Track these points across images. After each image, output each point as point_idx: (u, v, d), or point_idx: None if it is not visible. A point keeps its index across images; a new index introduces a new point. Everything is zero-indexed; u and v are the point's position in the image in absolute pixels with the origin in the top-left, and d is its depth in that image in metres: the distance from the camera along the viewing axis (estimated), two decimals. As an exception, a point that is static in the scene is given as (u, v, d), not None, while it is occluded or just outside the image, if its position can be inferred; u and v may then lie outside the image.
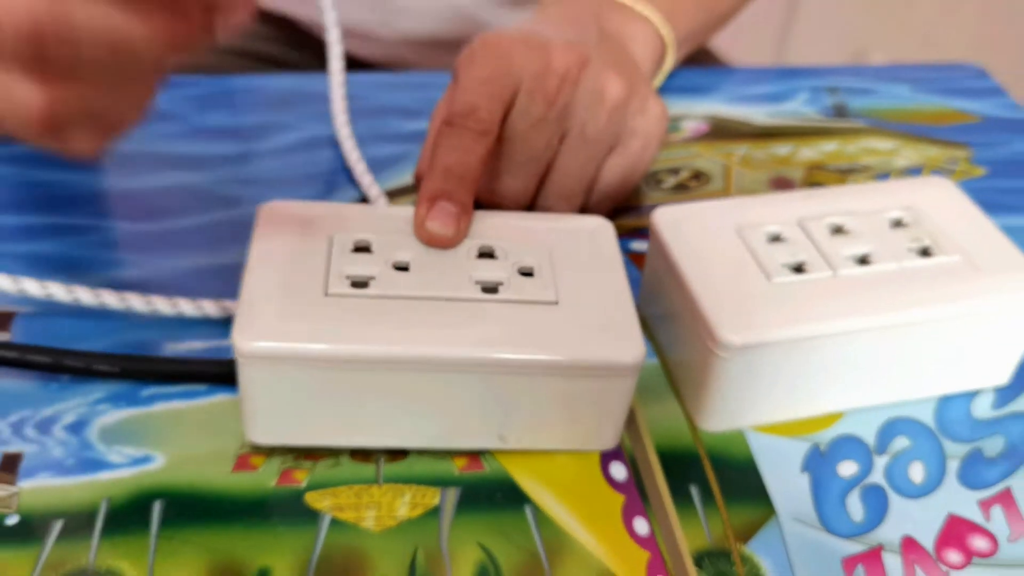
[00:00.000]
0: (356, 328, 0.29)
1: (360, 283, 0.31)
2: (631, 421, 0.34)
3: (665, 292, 0.34)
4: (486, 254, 0.33)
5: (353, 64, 0.65)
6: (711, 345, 0.31)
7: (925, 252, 0.34)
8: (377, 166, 0.44)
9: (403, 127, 0.47)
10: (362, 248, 0.32)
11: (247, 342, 0.28)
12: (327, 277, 0.31)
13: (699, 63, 0.74)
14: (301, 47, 0.68)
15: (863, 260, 0.33)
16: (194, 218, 0.41)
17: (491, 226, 0.34)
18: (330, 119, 0.47)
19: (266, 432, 0.31)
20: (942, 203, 0.36)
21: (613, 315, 0.31)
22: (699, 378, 0.32)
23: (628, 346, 0.30)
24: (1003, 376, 0.35)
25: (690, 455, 0.33)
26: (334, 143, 0.46)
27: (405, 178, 0.44)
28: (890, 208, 0.35)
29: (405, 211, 0.34)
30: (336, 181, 0.44)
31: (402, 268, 0.31)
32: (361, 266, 0.31)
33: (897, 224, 0.35)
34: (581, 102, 0.37)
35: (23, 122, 0.25)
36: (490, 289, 0.31)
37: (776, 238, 0.34)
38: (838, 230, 0.34)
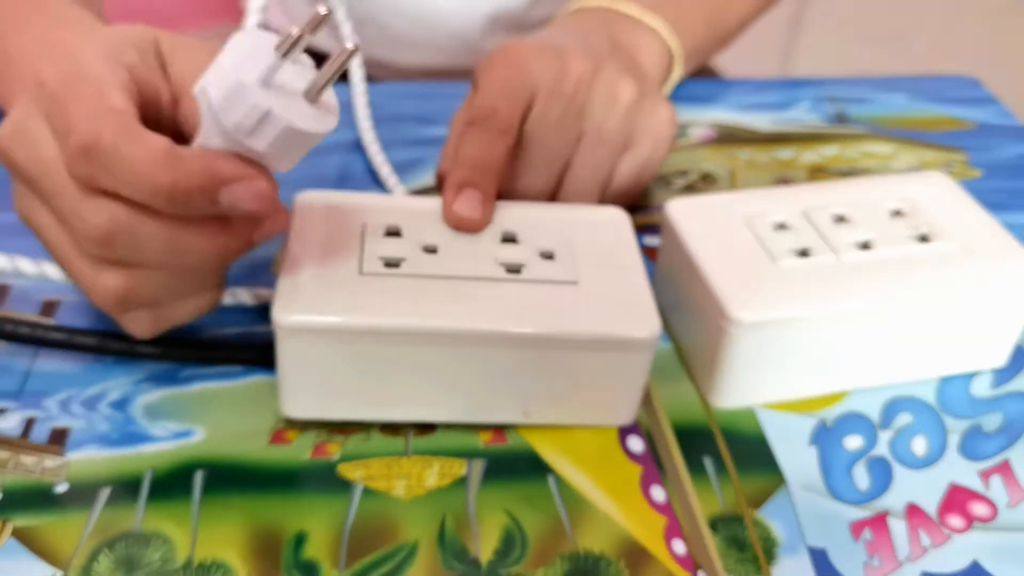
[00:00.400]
0: (388, 303, 0.31)
1: (392, 263, 0.32)
2: (647, 400, 0.35)
3: (678, 279, 0.36)
4: (509, 239, 0.34)
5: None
6: (722, 323, 0.32)
7: (924, 239, 0.36)
8: (398, 168, 0.46)
9: (420, 133, 0.49)
10: (393, 233, 0.34)
11: (287, 316, 0.30)
12: (362, 257, 0.32)
13: (702, 77, 0.77)
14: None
15: (865, 246, 0.35)
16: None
17: (514, 215, 0.35)
18: (354, 126, 0.49)
19: (301, 406, 0.32)
20: (939, 195, 0.38)
21: (630, 295, 0.33)
22: (711, 356, 0.34)
23: (644, 322, 0.32)
24: (1001, 358, 0.37)
25: (703, 430, 0.34)
26: (359, 147, 0.48)
27: (425, 179, 0.46)
28: (890, 199, 0.37)
29: (431, 202, 0.36)
30: (363, 182, 0.46)
31: (431, 251, 0.33)
32: (393, 248, 0.33)
33: (897, 214, 0.37)
34: (596, 104, 0.39)
35: (102, 300, 0.30)
36: (513, 270, 0.33)
37: (782, 226, 0.36)
38: (841, 219, 0.36)
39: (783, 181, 0.47)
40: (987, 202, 0.45)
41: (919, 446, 0.34)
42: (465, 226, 0.34)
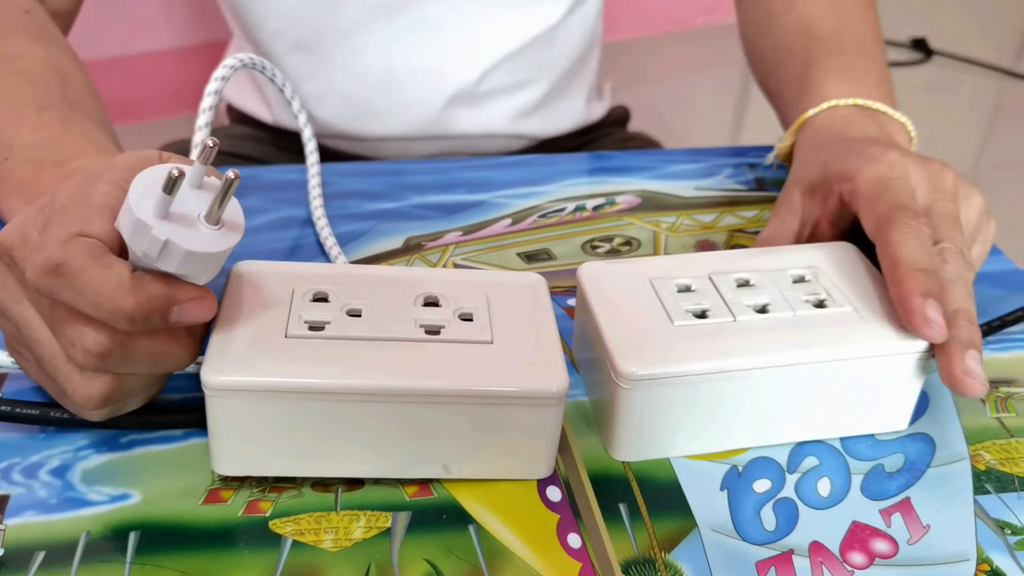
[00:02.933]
0: (310, 363, 0.32)
1: (317, 327, 0.33)
2: (566, 451, 0.36)
3: (587, 337, 0.37)
4: (431, 303, 0.35)
5: (334, 158, 0.70)
6: (615, 377, 0.33)
7: (820, 304, 0.37)
8: (344, 240, 0.48)
9: (365, 207, 0.51)
10: (320, 298, 0.35)
11: (214, 376, 0.31)
12: (288, 321, 0.33)
13: (637, 148, 0.79)
14: (284, 149, 0.73)
15: (762, 309, 0.36)
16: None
17: (437, 278, 0.37)
18: (307, 203, 0.50)
19: (231, 463, 0.33)
20: (843, 264, 0.39)
21: (541, 353, 0.34)
22: (609, 410, 0.35)
23: (553, 378, 0.33)
24: (901, 422, 0.37)
25: (619, 478, 0.35)
26: (308, 222, 0.49)
27: (367, 249, 0.47)
28: (795, 266, 0.38)
29: (360, 269, 0.37)
30: (312, 253, 0.47)
31: (355, 314, 0.34)
32: (318, 312, 0.34)
33: (799, 280, 0.38)
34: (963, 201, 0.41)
35: (85, 402, 0.32)
36: (433, 331, 0.34)
37: (686, 289, 0.37)
38: (744, 284, 0.37)
39: (704, 243, 0.48)
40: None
41: (824, 487, 0.35)
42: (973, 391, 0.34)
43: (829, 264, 0.39)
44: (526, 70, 0.69)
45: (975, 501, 0.35)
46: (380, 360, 0.32)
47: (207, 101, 0.45)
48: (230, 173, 0.29)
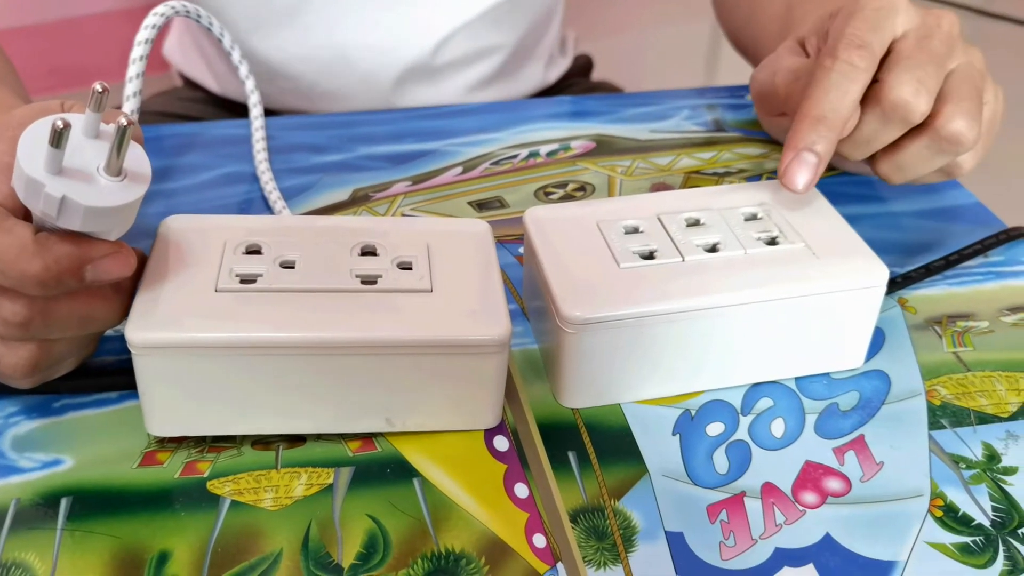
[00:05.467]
0: (240, 317, 0.30)
1: (248, 280, 0.32)
2: (514, 400, 0.35)
3: (535, 284, 0.36)
4: (368, 252, 0.34)
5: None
6: (559, 322, 0.32)
7: (772, 242, 0.35)
8: (291, 193, 0.46)
9: (312, 160, 0.49)
10: (253, 251, 0.33)
11: (139, 334, 0.29)
12: (218, 275, 0.32)
13: (596, 93, 0.77)
14: (227, 110, 0.71)
15: (712, 248, 0.35)
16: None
17: (376, 227, 0.35)
18: (250, 157, 0.48)
19: (164, 424, 0.32)
20: (796, 200, 0.37)
21: (483, 301, 0.32)
22: (556, 357, 0.33)
23: (494, 325, 0.31)
24: (857, 359, 0.36)
25: (569, 426, 0.34)
26: (253, 177, 0.47)
27: (314, 202, 0.45)
28: (746, 204, 0.37)
29: (296, 219, 0.35)
30: (260, 208, 0.45)
31: (288, 266, 0.33)
32: (250, 265, 0.32)
33: (751, 218, 0.36)
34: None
35: (12, 371, 0.31)
36: (369, 281, 0.32)
37: (634, 231, 0.36)
38: (694, 223, 0.36)
39: (659, 185, 0.47)
40: (850, 194, 0.46)
41: (778, 428, 0.34)
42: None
43: (783, 201, 0.37)
44: (485, 38, 0.66)
45: (930, 436, 0.34)
46: (313, 312, 0.31)
47: (137, 51, 0.43)
48: (122, 119, 0.27)
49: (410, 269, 0.33)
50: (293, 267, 0.33)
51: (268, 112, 0.68)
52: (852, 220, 0.37)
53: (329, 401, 0.32)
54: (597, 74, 0.86)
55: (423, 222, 0.36)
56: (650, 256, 0.34)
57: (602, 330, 0.32)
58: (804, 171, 0.36)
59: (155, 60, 0.83)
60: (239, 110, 0.68)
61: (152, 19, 0.44)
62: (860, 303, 0.34)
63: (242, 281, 0.32)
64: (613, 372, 0.34)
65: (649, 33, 1.92)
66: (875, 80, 0.38)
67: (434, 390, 0.32)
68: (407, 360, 0.31)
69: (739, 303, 0.33)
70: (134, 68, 0.43)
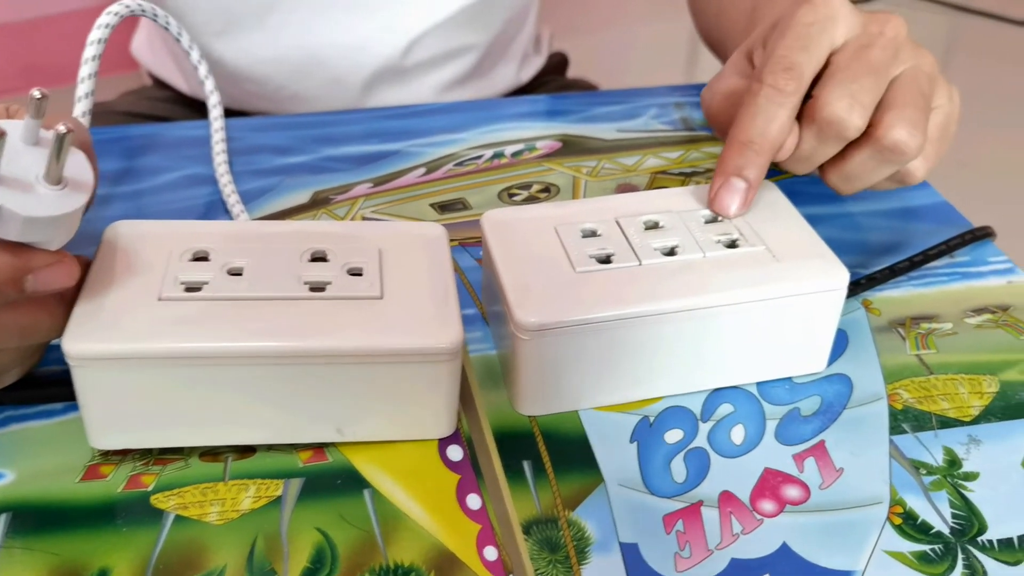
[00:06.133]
0: (184, 327, 0.29)
1: (193, 288, 0.31)
2: (470, 408, 0.34)
3: (492, 288, 0.35)
4: (318, 257, 0.33)
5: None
6: (514, 328, 0.31)
7: (732, 244, 0.35)
8: (251, 196, 0.45)
9: (275, 162, 0.48)
10: (200, 257, 0.32)
11: (76, 345, 0.28)
12: (162, 283, 0.31)
13: (574, 89, 0.76)
14: (197, 110, 0.69)
15: (671, 252, 0.34)
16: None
17: (327, 232, 0.34)
18: (211, 159, 0.47)
19: (106, 436, 0.31)
20: (758, 202, 0.37)
21: (435, 307, 0.31)
22: (512, 363, 0.33)
23: (445, 333, 0.30)
24: (819, 363, 0.36)
25: (525, 434, 0.33)
26: (213, 180, 0.46)
27: (274, 205, 0.44)
28: (708, 207, 0.36)
29: (246, 225, 0.34)
30: (212, 213, 0.44)
31: (236, 273, 0.32)
32: (196, 272, 0.31)
33: (712, 220, 0.36)
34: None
35: None
36: (318, 288, 0.31)
37: (591, 234, 0.35)
38: (653, 226, 0.35)
39: (625, 186, 0.46)
40: (820, 194, 0.45)
41: (737, 435, 0.33)
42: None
43: (745, 203, 0.37)
44: (457, 38, 0.65)
45: (891, 442, 0.33)
46: (258, 321, 0.30)
47: (89, 51, 0.42)
48: (60, 127, 0.26)
49: (360, 275, 0.32)
50: (240, 274, 0.32)
51: (235, 114, 0.67)
52: (816, 220, 0.36)
53: (277, 411, 0.31)
54: (574, 72, 0.85)
55: (377, 226, 0.35)
56: (607, 260, 0.34)
57: (557, 336, 0.32)
58: (733, 197, 0.35)
59: (125, 59, 0.82)
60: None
61: (106, 18, 0.43)
62: (821, 306, 0.34)
63: (187, 289, 0.31)
64: (570, 378, 0.33)
65: (629, 30, 1.92)
66: (811, 95, 0.37)
67: (385, 399, 0.31)
68: (356, 369, 0.30)
69: (696, 307, 0.32)
70: (86, 68, 0.42)
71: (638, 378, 0.34)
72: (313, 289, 0.31)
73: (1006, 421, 0.34)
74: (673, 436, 0.33)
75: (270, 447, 0.32)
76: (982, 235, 0.42)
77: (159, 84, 0.74)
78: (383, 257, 0.33)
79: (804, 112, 0.37)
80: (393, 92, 0.66)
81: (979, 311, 0.39)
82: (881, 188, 0.41)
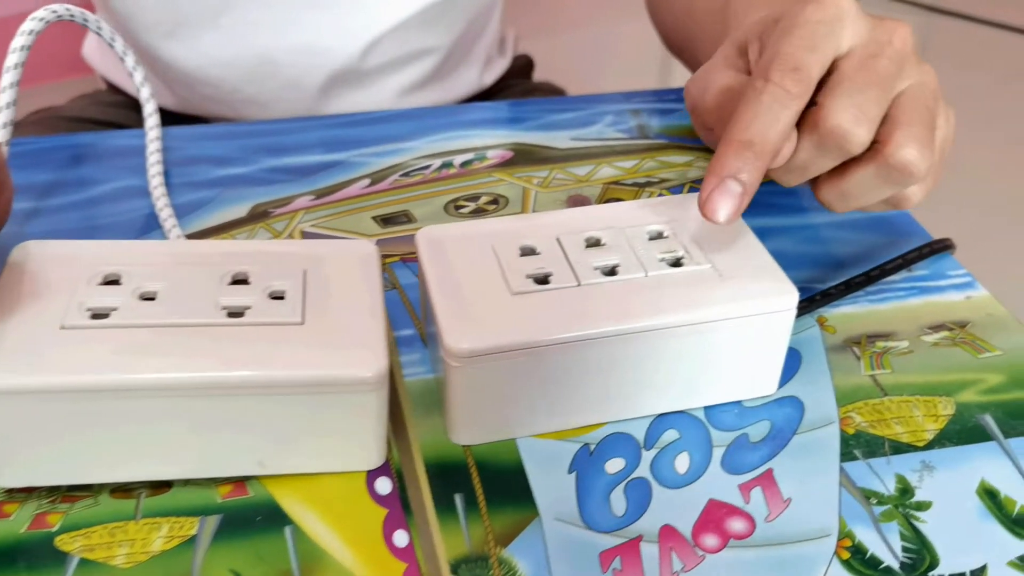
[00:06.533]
0: (88, 357, 0.27)
1: (101, 315, 0.29)
2: (403, 437, 0.32)
3: (428, 310, 0.33)
4: (240, 280, 0.31)
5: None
6: (445, 355, 0.30)
7: (676, 263, 0.33)
8: (187, 210, 0.43)
9: (214, 173, 0.46)
10: (111, 281, 0.30)
11: (-34, 381, 0.26)
12: (66, 311, 0.29)
13: (539, 93, 0.75)
14: (139, 111, 0.67)
15: (611, 271, 0.32)
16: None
17: (250, 253, 0.32)
18: (144, 170, 0.45)
19: (11, 474, 0.29)
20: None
21: (359, 333, 0.30)
22: (445, 390, 0.31)
23: (368, 361, 0.29)
24: (769, 386, 0.34)
25: (459, 465, 0.31)
26: (146, 193, 0.44)
27: (210, 220, 0.43)
28: (653, 222, 0.35)
29: (165, 245, 0.32)
30: (143, 228, 0.42)
31: (149, 298, 0.30)
32: (105, 298, 0.29)
33: (657, 237, 0.34)
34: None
35: None
36: (236, 314, 0.30)
37: (530, 252, 0.33)
38: (595, 243, 0.34)
39: (576, 198, 0.45)
40: (771, 204, 0.44)
41: (682, 463, 0.32)
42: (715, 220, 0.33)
43: (692, 218, 0.35)
44: (418, 40, 0.63)
45: (841, 469, 0.32)
46: (169, 349, 0.28)
47: (12, 59, 0.40)
48: None
49: (282, 299, 0.30)
50: (154, 299, 0.30)
51: (190, 119, 0.65)
52: (771, 232, 0.35)
53: (192, 445, 0.29)
54: (541, 75, 0.83)
55: (304, 245, 0.33)
56: (544, 280, 0.32)
57: (490, 362, 0.30)
58: (727, 201, 0.32)
59: (80, 63, 0.80)
60: (163, 116, 0.65)
61: (30, 24, 0.41)
62: (769, 328, 0.32)
63: (93, 316, 0.29)
64: (505, 406, 0.31)
65: (602, 31, 1.90)
66: (814, 102, 0.34)
67: (308, 431, 0.29)
68: (275, 400, 0.28)
69: (636, 330, 0.31)
70: (8, 77, 0.40)
71: (578, 404, 0.32)
72: (231, 315, 0.30)
73: (961, 446, 0.32)
74: (614, 465, 0.32)
75: (188, 481, 0.30)
76: (941, 248, 0.41)
77: (112, 89, 0.72)
78: (308, 278, 0.31)
79: (804, 119, 0.34)
80: (352, 96, 0.64)
81: (937, 328, 0.38)
82: (872, 210, 0.39)
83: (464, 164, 0.47)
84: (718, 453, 0.32)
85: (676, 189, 0.45)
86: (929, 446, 0.32)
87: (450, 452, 0.32)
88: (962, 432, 0.33)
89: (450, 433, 0.32)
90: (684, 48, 0.58)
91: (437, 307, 0.31)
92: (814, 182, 0.37)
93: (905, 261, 0.40)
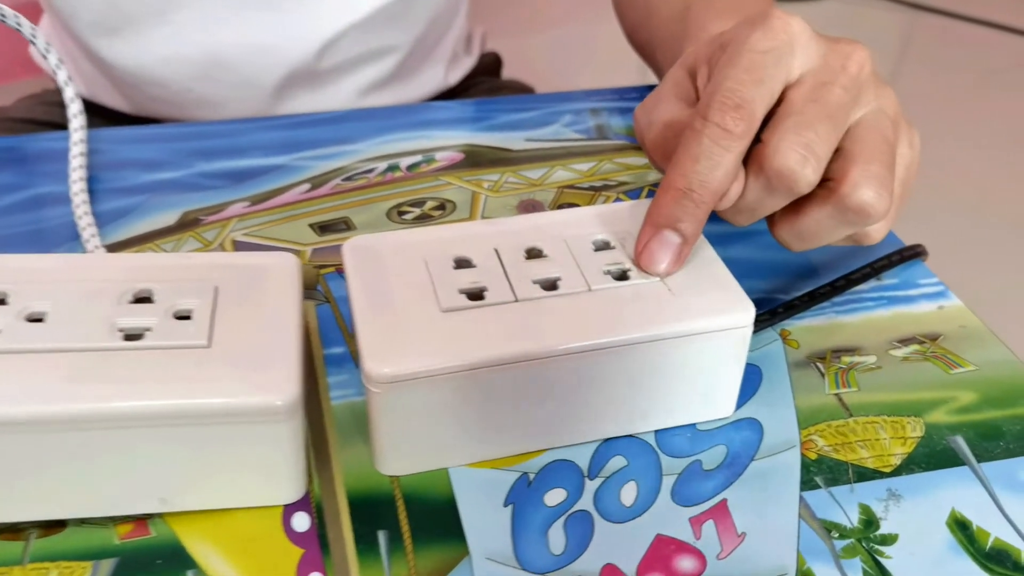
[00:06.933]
0: (-43, 390, 0.25)
1: (-21, 340, 0.26)
2: (325, 465, 0.30)
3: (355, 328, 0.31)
4: (143, 298, 0.28)
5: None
6: (364, 380, 0.27)
7: (622, 276, 0.30)
8: (110, 217, 0.40)
9: (141, 179, 0.43)
10: (-2, 301, 0.28)
11: None
12: (-60, 336, 0.26)
13: (507, 91, 0.72)
14: (99, 116, 0.64)
15: (552, 285, 0.30)
16: None
17: (156, 267, 0.29)
18: (66, 176, 0.43)
19: None
20: None
21: (271, 356, 0.27)
22: (369, 417, 0.28)
23: (279, 388, 0.26)
24: (726, 407, 0.32)
25: (385, 498, 0.29)
26: (68, 199, 0.41)
27: (133, 230, 0.40)
28: (600, 232, 0.32)
29: (68, 259, 0.30)
30: (60, 238, 0.39)
31: (36, 319, 0.27)
32: (-14, 321, 0.27)
33: (603, 247, 0.32)
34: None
35: None
36: (134, 336, 0.27)
37: (465, 264, 0.30)
38: (537, 255, 0.31)
39: (527, 203, 0.42)
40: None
41: (628, 495, 0.29)
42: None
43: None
44: (378, 38, 0.60)
45: (801, 499, 0.29)
46: (55, 378, 0.25)
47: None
48: None
49: (188, 319, 0.28)
50: (42, 320, 0.27)
51: (139, 121, 0.62)
52: (729, 239, 0.32)
53: (86, 481, 0.26)
54: (510, 73, 0.81)
55: (218, 258, 0.31)
56: (478, 295, 0.29)
57: (415, 388, 0.27)
58: (664, 253, 0.30)
59: (31, 63, 0.76)
60: (113, 116, 0.62)
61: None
62: (723, 347, 0.30)
63: (-29, 341, 0.26)
64: (435, 434, 0.29)
65: (579, 30, 1.87)
66: (760, 139, 0.31)
67: (213, 465, 0.27)
68: (174, 432, 0.26)
69: (576, 349, 0.28)
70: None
71: (515, 430, 0.29)
72: (128, 337, 0.27)
73: (930, 471, 0.30)
74: (554, 497, 0.29)
75: (84, 520, 0.28)
76: (911, 255, 0.38)
77: (59, 89, 0.69)
78: (219, 295, 0.29)
79: (751, 157, 0.31)
80: (309, 96, 0.61)
81: (906, 341, 0.35)
82: (834, 245, 0.36)
83: (411, 167, 0.44)
84: (668, 482, 0.30)
85: (634, 193, 0.43)
86: (896, 472, 0.30)
87: (377, 484, 0.29)
88: (931, 456, 0.31)
89: (376, 463, 0.29)
90: (645, 51, 0.56)
91: (359, 327, 0.28)
92: (770, 220, 0.34)
93: (873, 269, 0.37)
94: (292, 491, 0.28)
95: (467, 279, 0.30)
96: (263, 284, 0.30)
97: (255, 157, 0.45)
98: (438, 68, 0.68)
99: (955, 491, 0.29)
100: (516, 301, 0.29)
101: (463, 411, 0.28)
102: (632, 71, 1.75)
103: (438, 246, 0.31)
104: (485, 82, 0.75)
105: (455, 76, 0.71)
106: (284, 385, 0.26)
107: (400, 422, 0.28)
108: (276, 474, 0.28)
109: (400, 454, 0.29)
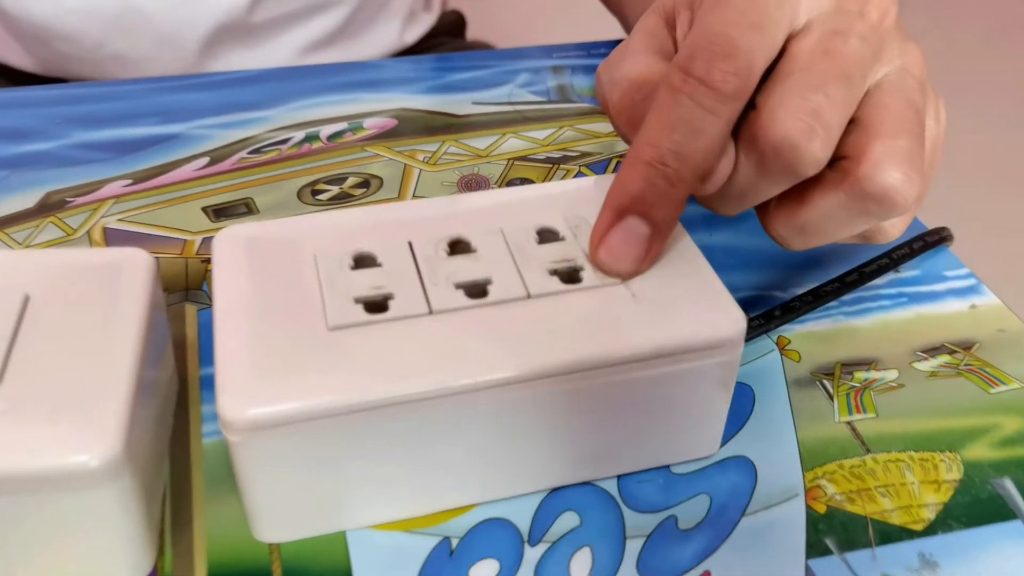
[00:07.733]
0: None
1: None
2: (186, 529, 0.23)
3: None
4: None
5: None
6: (220, 425, 0.20)
7: (572, 278, 0.23)
8: (-44, 202, 0.33)
9: (4, 151, 0.35)
10: None
11: None
12: None
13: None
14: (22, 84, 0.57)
15: (479, 291, 0.23)
16: None
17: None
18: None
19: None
20: None
21: (91, 399, 0.20)
22: (234, 471, 0.21)
23: (93, 442, 0.19)
24: (709, 445, 0.25)
25: (259, 573, 0.22)
26: (-86, 178, 0.34)
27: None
28: (548, 218, 0.25)
29: None
30: None
31: None
32: None
33: (550, 239, 0.24)
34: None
35: None
36: None
37: (366, 262, 0.23)
38: (463, 249, 0.24)
39: (471, 178, 0.35)
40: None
41: (580, 566, 0.22)
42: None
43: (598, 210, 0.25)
44: None
45: (807, 570, 0.22)
46: None
47: None
48: None
49: (-18, 341, 0.20)
50: None
51: (49, 82, 0.54)
52: (714, 223, 0.25)
53: None
54: (475, 33, 0.73)
55: (35, 256, 0.23)
56: (381, 306, 0.22)
57: (289, 434, 0.20)
58: (629, 247, 0.23)
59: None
60: (18, 77, 0.55)
61: None
62: (704, 370, 0.23)
63: None
64: (322, 489, 0.22)
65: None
66: (754, 103, 0.24)
67: (26, 540, 0.20)
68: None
69: (509, 380, 0.21)
70: None
71: (433, 482, 0.22)
72: None
73: (973, 528, 0.23)
74: (483, 570, 0.22)
75: None
76: (936, 241, 0.31)
77: None
78: (28, 308, 0.21)
79: (743, 127, 0.24)
80: (241, 54, 0.53)
81: (933, 351, 0.28)
82: (841, 243, 0.28)
83: (333, 137, 0.37)
84: (634, 547, 0.23)
85: (599, 166, 0.36)
86: (930, 530, 0.23)
87: (250, 553, 0.22)
88: (973, 506, 0.24)
89: (252, 527, 0.22)
90: (611, 3, 0.48)
91: (218, 348, 0.21)
92: (763, 210, 0.26)
93: (891, 260, 0.30)
94: (129, 569, 0.21)
95: (367, 283, 0.22)
96: (98, 292, 0.22)
97: (147, 125, 0.37)
98: (392, 25, 0.61)
99: (1006, 554, 0.23)
100: (431, 314, 0.22)
101: (359, 459, 0.21)
102: (612, 31, 1.67)
103: (335, 238, 0.24)
104: (447, 43, 0.68)
105: (412, 35, 0.63)
106: (103, 438, 0.19)
107: (274, 476, 0.21)
108: (104, 549, 0.20)
109: (278, 516, 0.22)
